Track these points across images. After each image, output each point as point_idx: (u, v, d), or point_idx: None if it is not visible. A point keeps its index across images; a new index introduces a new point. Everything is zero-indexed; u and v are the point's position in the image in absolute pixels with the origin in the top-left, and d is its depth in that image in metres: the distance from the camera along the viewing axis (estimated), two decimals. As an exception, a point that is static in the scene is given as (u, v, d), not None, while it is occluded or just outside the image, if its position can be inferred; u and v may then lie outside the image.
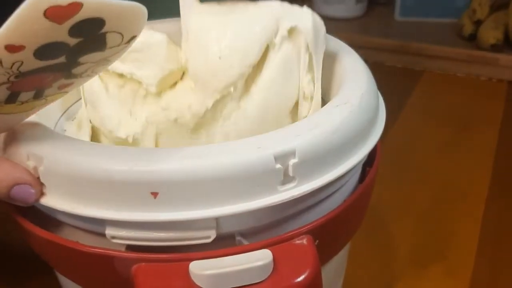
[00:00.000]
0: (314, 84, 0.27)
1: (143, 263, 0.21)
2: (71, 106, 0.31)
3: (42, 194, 0.22)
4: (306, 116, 0.27)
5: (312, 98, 0.27)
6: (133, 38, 0.19)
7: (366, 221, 0.28)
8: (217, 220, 0.21)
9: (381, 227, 0.43)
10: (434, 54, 0.71)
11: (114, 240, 0.21)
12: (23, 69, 0.18)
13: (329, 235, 0.24)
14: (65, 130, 0.29)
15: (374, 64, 0.28)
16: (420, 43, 0.72)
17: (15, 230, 0.24)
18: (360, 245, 0.34)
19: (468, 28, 0.73)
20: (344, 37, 0.31)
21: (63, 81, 0.20)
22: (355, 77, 0.26)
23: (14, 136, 0.22)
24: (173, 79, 0.29)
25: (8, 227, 0.25)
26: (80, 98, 0.31)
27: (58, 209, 0.21)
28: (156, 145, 0.28)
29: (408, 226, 0.43)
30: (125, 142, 0.28)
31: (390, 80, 0.67)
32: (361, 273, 0.38)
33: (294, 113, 0.28)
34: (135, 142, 0.28)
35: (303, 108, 0.27)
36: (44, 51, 0.17)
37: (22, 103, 0.20)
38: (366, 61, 0.28)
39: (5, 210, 0.24)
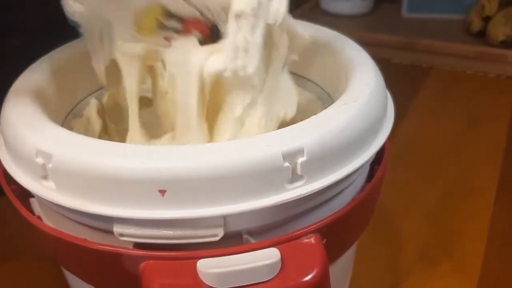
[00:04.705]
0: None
1: (151, 261, 0.21)
2: (78, 103, 0.31)
3: None
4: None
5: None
6: None
7: (374, 219, 0.28)
8: (224, 218, 0.21)
9: (389, 225, 0.43)
10: (442, 51, 0.70)
11: (122, 238, 0.21)
12: None
13: (337, 234, 0.24)
14: (72, 128, 0.29)
15: (381, 61, 0.28)
16: (428, 40, 0.71)
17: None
18: (368, 243, 0.34)
19: (476, 25, 0.72)
20: (351, 34, 0.31)
21: None
22: (363, 74, 0.26)
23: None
24: None
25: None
26: (87, 96, 0.32)
27: (66, 206, 0.21)
28: None
29: (416, 224, 0.43)
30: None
31: (397, 77, 0.67)
32: (368, 271, 0.38)
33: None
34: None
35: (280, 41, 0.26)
36: None
37: None
38: (373, 58, 0.28)
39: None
